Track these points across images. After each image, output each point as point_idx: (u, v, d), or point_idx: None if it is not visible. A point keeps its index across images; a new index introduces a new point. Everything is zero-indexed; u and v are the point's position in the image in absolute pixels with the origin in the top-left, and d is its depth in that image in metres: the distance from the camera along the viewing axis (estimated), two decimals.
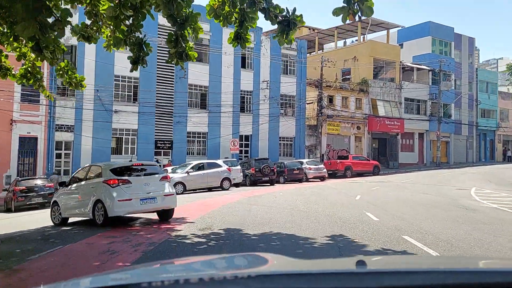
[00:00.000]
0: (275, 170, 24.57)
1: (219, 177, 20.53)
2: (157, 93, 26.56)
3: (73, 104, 23.90)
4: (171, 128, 27.23)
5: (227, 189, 20.57)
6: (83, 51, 24.05)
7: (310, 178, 26.66)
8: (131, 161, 24.02)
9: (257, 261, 1.75)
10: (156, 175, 10.15)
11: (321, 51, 42.52)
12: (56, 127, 23.36)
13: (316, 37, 42.36)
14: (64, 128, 23.74)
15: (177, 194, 19.82)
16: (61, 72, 11.57)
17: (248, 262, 1.78)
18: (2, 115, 21.21)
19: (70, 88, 12.29)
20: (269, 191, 19.19)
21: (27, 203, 17.76)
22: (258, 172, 23.83)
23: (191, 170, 19.95)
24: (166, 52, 28.58)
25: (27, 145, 22.58)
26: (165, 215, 10.38)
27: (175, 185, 19.09)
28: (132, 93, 26.11)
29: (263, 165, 23.84)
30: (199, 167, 20.47)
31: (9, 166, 21.75)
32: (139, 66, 10.33)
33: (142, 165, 10.43)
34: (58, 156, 23.74)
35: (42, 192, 18.17)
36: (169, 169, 22.55)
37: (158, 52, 26.65)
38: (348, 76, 35.97)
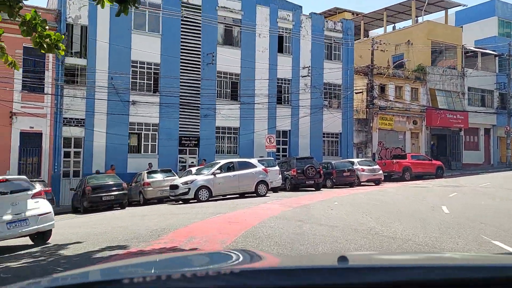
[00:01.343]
0: (322, 171, 20.20)
1: (254, 179, 16.42)
2: (181, 82, 22.83)
3: (84, 94, 20.52)
4: (198, 122, 23.43)
5: (264, 195, 16.43)
6: (95, 32, 20.66)
7: (363, 182, 22.10)
8: (150, 168, 20.59)
9: (238, 257, 1.64)
10: (27, 192, 8.65)
11: (366, 38, 37.62)
12: (64, 121, 20.05)
13: (361, 22, 37.55)
14: (74, 122, 20.40)
15: (201, 201, 15.98)
16: (26, 28, 7.83)
17: (229, 258, 1.68)
18: (3, 106, 18.06)
19: (42, 51, 8.44)
20: (317, 199, 14.89)
21: None
22: (301, 174, 19.55)
23: (219, 171, 15.96)
24: (191, 36, 24.98)
25: (30, 141, 19.37)
26: (41, 238, 8.82)
27: (198, 189, 15.18)
28: (152, 82, 22.50)
29: (307, 166, 19.54)
30: (229, 168, 16.45)
31: (9, 167, 18.60)
32: (129, 8, 6.55)
33: (7, 180, 8.73)
34: (66, 154, 20.43)
35: None
36: (194, 169, 18.69)
37: (182, 35, 22.95)
38: (403, 60, 30.91)
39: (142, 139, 22.24)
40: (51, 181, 19.31)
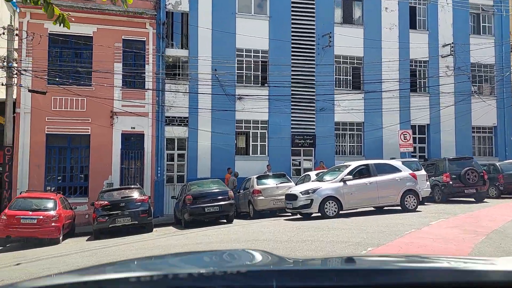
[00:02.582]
0: (486, 177, 14.86)
1: (399, 188, 12.02)
2: (292, 71, 19.35)
3: (186, 89, 18.25)
4: (313, 117, 19.69)
5: (413, 210, 11.94)
6: (196, 17, 18.29)
7: None
8: (269, 172, 17.38)
9: (245, 257, 1.69)
10: None
11: None
12: (166, 120, 18.00)
13: None
14: (176, 121, 18.23)
15: (328, 216, 10.96)
16: None
17: (236, 258, 1.70)
18: (100, 105, 16.59)
19: (43, 11, 5.17)
20: (507, 216, 9.94)
21: (110, 225, 12.17)
22: (457, 180, 14.50)
23: (350, 176, 11.93)
24: (304, 16, 21.18)
25: (132, 143, 17.66)
26: None
27: (323, 201, 11.38)
28: (260, 72, 19.43)
29: (466, 169, 14.43)
30: (361, 172, 12.33)
31: (111, 171, 17.05)
32: None
33: None
34: (170, 157, 18.35)
35: (131, 209, 12.42)
36: (313, 174, 14.96)
37: (293, 16, 19.50)
38: None
39: (250, 139, 19.26)
40: (154, 187, 17.34)
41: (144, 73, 17.48)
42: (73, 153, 16.91)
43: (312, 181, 13.12)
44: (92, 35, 16.80)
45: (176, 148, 18.44)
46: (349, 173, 12.04)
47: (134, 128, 17.48)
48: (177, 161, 18.43)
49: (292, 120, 19.33)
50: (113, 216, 12.18)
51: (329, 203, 11.53)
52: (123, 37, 17.20)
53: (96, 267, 1.52)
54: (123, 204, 12.41)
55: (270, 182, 14.48)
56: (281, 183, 14.32)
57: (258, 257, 1.55)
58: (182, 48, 18.54)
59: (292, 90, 19.27)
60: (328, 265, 1.51)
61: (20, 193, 13.28)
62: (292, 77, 19.28)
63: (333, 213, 11.51)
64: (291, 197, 12.03)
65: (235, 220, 13.62)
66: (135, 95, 17.44)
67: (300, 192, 11.77)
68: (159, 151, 17.77)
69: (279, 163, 18.45)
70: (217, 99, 18.23)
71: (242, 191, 15.46)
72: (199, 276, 1.19)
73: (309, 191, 11.66)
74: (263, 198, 14.00)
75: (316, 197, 11.48)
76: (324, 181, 12.29)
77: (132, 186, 13.74)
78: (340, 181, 11.84)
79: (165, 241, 10.67)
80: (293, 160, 19.46)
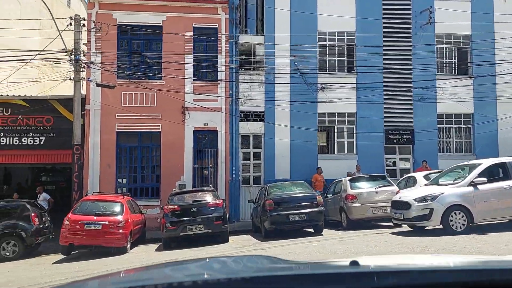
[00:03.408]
0: None
1: None
2: (385, 54, 16.57)
3: (262, 80, 16.30)
4: (410, 108, 16.72)
5: None
6: None
7: None
8: (358, 173, 14.93)
9: (253, 263, 1.74)
10: None
11: None
12: (240, 115, 16.20)
13: None
14: (252, 115, 16.36)
15: (454, 231, 7.84)
16: None
17: (244, 264, 1.74)
18: (171, 100, 15.25)
19: None
20: None
21: (180, 233, 10.50)
22: None
23: (482, 179, 9.03)
24: None
25: (204, 141, 16.10)
26: None
27: (447, 211, 8.69)
28: (345, 58, 16.89)
29: None
30: (492, 173, 9.37)
31: (183, 172, 15.62)
32: None
33: None
34: (244, 156, 16.52)
35: (204, 215, 10.66)
36: (419, 176, 12.16)
37: None
38: None
39: (335, 135, 16.79)
40: (229, 189, 15.62)
41: (217, 62, 15.83)
42: (144, 152, 15.74)
43: (425, 185, 10.35)
44: (161, 24, 15.52)
45: (251, 146, 16.56)
46: (479, 175, 9.14)
47: (206, 124, 15.91)
48: (253, 160, 16.54)
49: (385, 112, 16.53)
50: (184, 223, 10.49)
51: (455, 213, 8.76)
52: (193, 25, 15.71)
53: None
54: (195, 209, 10.67)
55: (367, 186, 11.93)
56: (380, 186, 11.73)
57: None
58: (257, 34, 16.63)
59: (385, 77, 16.47)
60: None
61: (86, 195, 12.17)
62: (384, 62, 16.50)
63: (461, 227, 8.73)
64: (402, 205, 9.42)
65: (324, 230, 11.32)
66: (207, 88, 15.84)
67: (414, 199, 9.12)
68: (234, 149, 16.01)
69: (370, 163, 15.77)
70: (296, 89, 16.03)
71: (330, 195, 13.09)
72: None
73: (427, 198, 8.97)
74: (359, 205, 11.49)
75: (437, 205, 8.78)
76: (443, 185, 9.51)
77: (205, 189, 12.02)
78: (468, 185, 9.00)
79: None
80: (386, 159, 16.65)
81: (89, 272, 8.50)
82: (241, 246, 10.34)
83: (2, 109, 14.55)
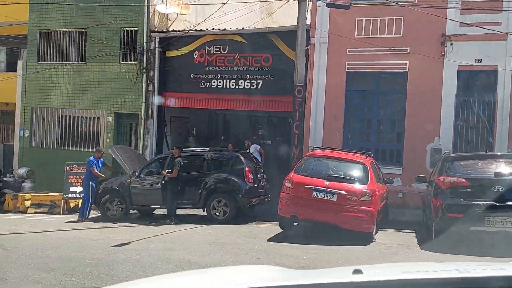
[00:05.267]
0: None
1: None
2: None
3: None
4: None
5: None
6: None
7: None
8: None
9: (252, 273, 1.66)
10: None
11: None
12: None
13: None
14: None
15: None
16: None
17: (243, 274, 1.67)
18: (425, 26, 10.54)
19: None
20: None
21: (472, 228, 5.97)
22: None
23: None
24: None
25: (475, 87, 10.75)
26: None
27: None
28: None
29: None
30: None
31: (438, 131, 10.79)
32: None
33: None
34: None
35: None
36: None
37: None
38: None
39: None
40: None
41: None
42: (382, 100, 11.58)
43: None
44: None
45: None
46: None
47: (480, 61, 10.51)
48: None
49: None
50: (481, 211, 5.90)
51: None
52: None
53: None
54: (501, 188, 5.91)
55: None
56: None
57: None
58: None
59: None
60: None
61: (313, 149, 8.87)
62: None
63: None
64: None
65: None
66: (483, 4, 10.35)
67: None
68: None
69: None
70: None
71: None
72: None
73: None
74: None
75: None
76: None
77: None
78: None
79: None
80: None
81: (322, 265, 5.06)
82: None
83: (219, 47, 12.63)
